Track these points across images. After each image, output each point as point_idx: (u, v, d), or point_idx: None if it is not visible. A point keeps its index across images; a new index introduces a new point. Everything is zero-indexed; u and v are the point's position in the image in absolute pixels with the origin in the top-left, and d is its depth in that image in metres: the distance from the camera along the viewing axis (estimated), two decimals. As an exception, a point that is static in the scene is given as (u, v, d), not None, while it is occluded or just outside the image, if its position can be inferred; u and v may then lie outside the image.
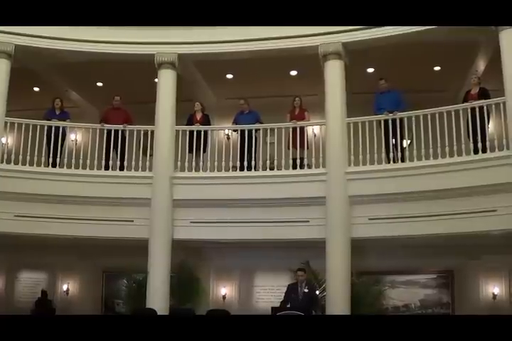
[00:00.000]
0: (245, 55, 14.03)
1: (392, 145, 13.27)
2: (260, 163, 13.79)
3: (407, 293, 15.26)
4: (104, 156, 14.22)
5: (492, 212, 11.70)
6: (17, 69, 13.91)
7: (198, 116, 14.74)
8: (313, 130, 14.78)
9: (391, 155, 13.13)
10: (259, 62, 14.18)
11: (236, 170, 14.12)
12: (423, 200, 12.41)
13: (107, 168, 14.10)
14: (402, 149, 12.95)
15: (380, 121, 13.32)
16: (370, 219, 12.84)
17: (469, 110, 12.55)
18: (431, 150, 12.50)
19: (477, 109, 12.32)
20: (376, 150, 13.05)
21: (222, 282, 16.26)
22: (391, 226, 12.63)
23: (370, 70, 15.25)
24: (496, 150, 11.93)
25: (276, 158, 13.90)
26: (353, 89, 13.64)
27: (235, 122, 14.72)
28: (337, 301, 12.35)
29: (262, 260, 15.34)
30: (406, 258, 14.45)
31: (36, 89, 16.79)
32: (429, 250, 14.01)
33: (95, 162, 13.98)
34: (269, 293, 15.67)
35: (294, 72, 15.52)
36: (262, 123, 14.42)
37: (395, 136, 13.17)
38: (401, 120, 13.10)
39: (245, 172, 13.75)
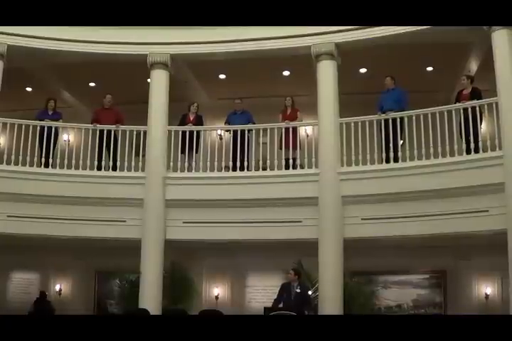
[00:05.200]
0: (238, 56, 14.04)
1: (385, 145, 13.27)
2: (253, 163, 13.79)
3: (399, 293, 15.28)
4: (96, 156, 14.20)
5: (484, 212, 11.73)
6: (9, 69, 13.88)
7: (192, 116, 14.74)
8: (305, 130, 14.78)
9: (383, 155, 13.14)
10: (251, 62, 14.19)
11: (228, 171, 14.14)
12: (416, 200, 12.43)
13: (99, 168, 14.10)
14: (395, 149, 12.96)
15: (372, 122, 13.33)
16: (362, 219, 12.87)
17: (462, 110, 12.58)
18: (423, 151, 12.53)
19: (469, 110, 12.34)
20: (369, 150, 13.06)
21: (214, 282, 16.28)
22: (383, 227, 12.66)
23: (363, 71, 15.27)
24: (489, 150, 11.95)
25: (268, 158, 13.92)
26: (346, 90, 13.64)
27: (227, 122, 14.75)
28: (329, 301, 12.36)
29: (255, 260, 15.36)
30: (398, 259, 14.49)
31: (29, 89, 16.77)
32: (422, 250, 14.05)
33: (87, 162, 13.96)
34: (261, 293, 15.68)
35: (286, 73, 15.55)
36: (254, 123, 14.44)
37: (387, 136, 13.20)
38: (393, 120, 13.12)
39: (238, 173, 13.77)
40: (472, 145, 12.22)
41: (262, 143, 14.14)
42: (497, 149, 11.81)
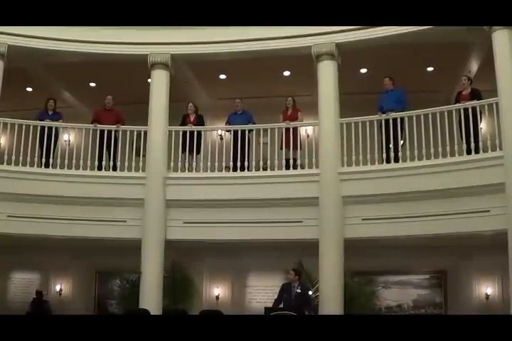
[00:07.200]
0: (238, 56, 14.04)
1: (386, 145, 13.27)
2: (253, 163, 13.79)
3: (400, 293, 15.27)
4: (96, 157, 14.21)
5: (485, 213, 11.73)
6: (10, 69, 13.89)
7: (192, 117, 14.74)
8: (306, 130, 14.78)
9: (384, 155, 13.13)
10: (252, 62, 14.19)
11: (229, 171, 14.12)
12: (416, 201, 12.43)
13: (99, 168, 14.10)
14: (396, 149, 12.96)
15: (373, 122, 13.34)
16: (363, 219, 12.86)
17: (462, 111, 12.58)
18: (424, 151, 12.52)
19: (470, 110, 12.34)
20: (369, 150, 13.06)
21: (215, 282, 16.26)
22: (384, 227, 12.65)
23: (363, 71, 15.27)
24: (489, 150, 11.95)
25: (269, 158, 13.91)
26: (346, 90, 13.64)
27: (228, 123, 14.73)
28: (330, 301, 12.36)
29: (255, 260, 15.38)
30: (399, 259, 14.49)
31: (29, 89, 16.77)
32: (423, 250, 14.05)
33: (88, 162, 13.97)
34: (262, 293, 15.69)
35: (287, 73, 15.53)
36: (254, 123, 14.43)
37: (387, 136, 13.20)
38: (394, 120, 13.12)
39: (238, 173, 13.76)
40: (472, 145, 12.23)
41: (263, 144, 14.14)
42: (497, 149, 11.82)
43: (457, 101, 13.00)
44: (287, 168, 13.57)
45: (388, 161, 13.01)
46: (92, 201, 13.63)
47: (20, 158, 13.61)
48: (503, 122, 11.68)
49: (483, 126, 12.69)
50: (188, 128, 14.26)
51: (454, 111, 12.72)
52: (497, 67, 11.98)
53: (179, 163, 14.11)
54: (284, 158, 13.76)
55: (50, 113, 14.73)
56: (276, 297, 12.65)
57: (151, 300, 12.77)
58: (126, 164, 13.98)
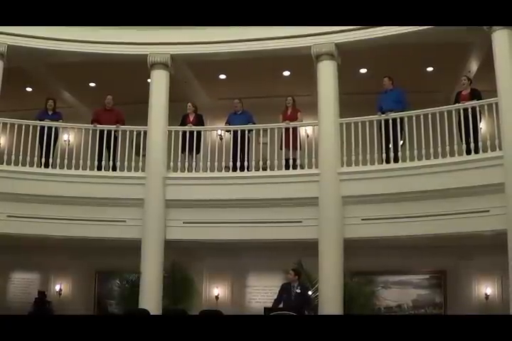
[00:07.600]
0: (238, 56, 14.03)
1: (385, 145, 13.27)
2: (253, 163, 13.78)
3: (399, 293, 15.26)
4: (96, 157, 14.20)
5: (485, 213, 11.72)
6: (10, 69, 13.89)
7: (191, 116, 14.74)
8: (305, 130, 14.76)
9: (383, 155, 13.12)
10: (252, 62, 14.19)
11: (229, 171, 14.12)
12: (416, 201, 12.42)
13: (99, 168, 14.09)
14: (395, 149, 12.95)
15: (372, 122, 13.33)
16: (362, 219, 12.86)
17: (462, 111, 12.58)
18: (423, 151, 12.52)
19: (469, 110, 12.34)
20: (369, 150, 13.06)
21: (215, 282, 16.25)
22: (384, 227, 12.64)
23: (363, 71, 15.27)
24: (489, 150, 11.95)
25: (269, 158, 13.92)
26: (346, 90, 13.63)
27: (228, 122, 14.73)
28: (330, 301, 12.35)
29: (255, 260, 15.37)
30: (399, 259, 14.47)
31: (29, 89, 16.76)
32: (422, 250, 14.04)
33: (88, 162, 13.96)
34: (261, 293, 15.68)
35: (287, 73, 15.53)
36: (254, 123, 14.42)
37: (387, 136, 13.20)
38: (393, 120, 13.12)
39: (238, 173, 13.76)
40: (472, 145, 12.23)
41: (262, 144, 14.13)
42: (497, 149, 11.81)
43: (457, 101, 13.00)
44: (287, 168, 13.58)
45: (388, 161, 13.01)
46: (92, 201, 13.63)
47: (20, 158, 13.61)
48: (503, 122, 11.68)
49: (482, 126, 12.68)
50: (187, 128, 14.26)
51: (453, 112, 12.71)
52: (497, 67, 11.98)
53: (179, 163, 14.10)
54: (283, 158, 13.77)
55: (50, 113, 14.73)
56: (275, 297, 12.65)
57: (150, 300, 12.77)
58: (126, 164, 13.97)
